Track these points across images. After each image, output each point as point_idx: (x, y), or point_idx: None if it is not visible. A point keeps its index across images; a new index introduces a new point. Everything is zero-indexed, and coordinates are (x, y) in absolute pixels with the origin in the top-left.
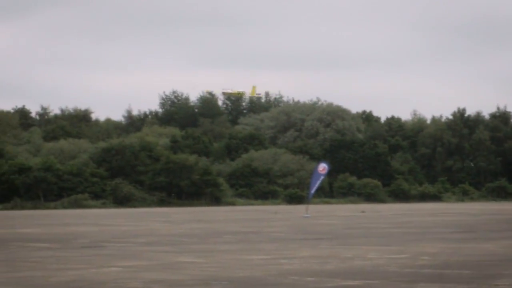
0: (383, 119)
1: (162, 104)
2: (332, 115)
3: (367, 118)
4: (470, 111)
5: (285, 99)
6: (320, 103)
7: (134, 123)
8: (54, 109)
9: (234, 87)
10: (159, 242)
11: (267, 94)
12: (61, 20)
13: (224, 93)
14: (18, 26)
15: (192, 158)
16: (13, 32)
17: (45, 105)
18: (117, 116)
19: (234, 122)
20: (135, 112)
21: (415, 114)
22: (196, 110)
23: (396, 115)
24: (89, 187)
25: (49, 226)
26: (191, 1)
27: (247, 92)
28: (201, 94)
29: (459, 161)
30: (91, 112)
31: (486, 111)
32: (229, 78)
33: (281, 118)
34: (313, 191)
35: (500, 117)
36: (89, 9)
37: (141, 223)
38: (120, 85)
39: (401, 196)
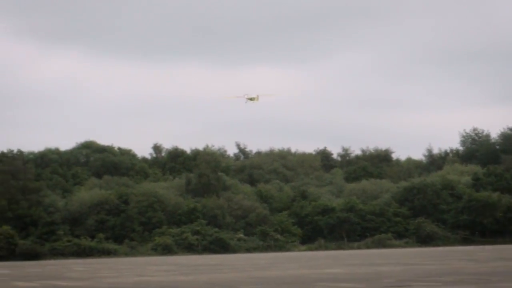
0: None
1: (463, 142)
2: None
3: None
4: None
5: None
6: None
7: (435, 161)
8: (355, 150)
9: None
10: (465, 281)
11: None
12: (362, 62)
13: None
14: (318, 69)
15: (495, 196)
16: (312, 75)
17: (346, 146)
18: (418, 155)
19: None
20: (435, 151)
21: None
22: (498, 146)
23: None
24: (392, 227)
25: (354, 266)
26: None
27: None
28: (502, 130)
29: None
30: (392, 152)
31: None
32: None
33: None
34: None
35: None
36: (387, 51)
37: (445, 261)
38: (420, 124)
39: None
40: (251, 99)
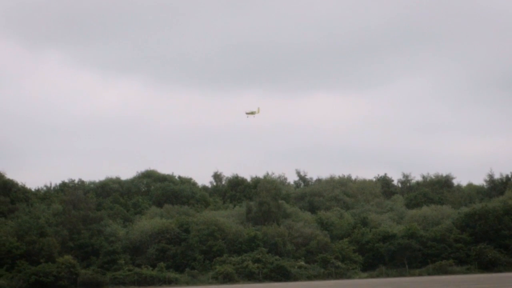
0: None
1: None
2: None
3: None
4: None
5: None
6: None
7: (497, 186)
8: (416, 176)
9: None
10: None
11: None
12: (422, 87)
13: None
14: (378, 95)
15: None
16: (372, 101)
17: (406, 172)
18: (479, 180)
19: None
20: (497, 176)
21: None
22: None
23: None
24: (454, 253)
25: None
26: None
27: None
28: None
29: None
30: (453, 178)
31: None
32: None
33: None
34: None
35: None
36: (446, 76)
37: None
38: (480, 149)
39: None
40: (251, 113)
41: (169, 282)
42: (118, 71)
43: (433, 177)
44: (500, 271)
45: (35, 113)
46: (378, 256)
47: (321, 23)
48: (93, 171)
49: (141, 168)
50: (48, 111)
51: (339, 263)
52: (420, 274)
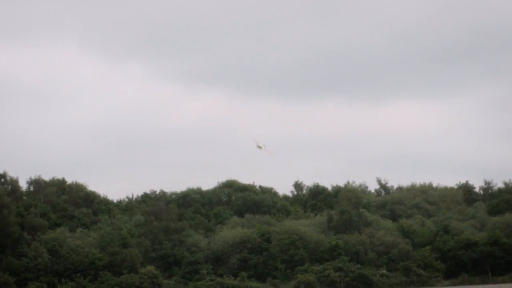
0: None
1: None
2: None
3: None
4: None
5: None
6: None
7: None
8: (498, 183)
9: None
10: None
11: None
12: (501, 94)
13: None
14: (458, 103)
15: None
16: (453, 108)
17: (488, 179)
18: None
19: None
20: None
21: None
22: None
23: None
24: None
25: None
26: None
27: None
28: None
29: None
30: None
31: None
32: None
33: None
34: None
35: None
36: None
37: None
38: None
39: None
40: (259, 147)
41: None
42: (200, 82)
43: None
44: None
45: (117, 126)
46: (460, 263)
47: (402, 31)
48: (175, 182)
49: (222, 178)
50: (130, 124)
51: (421, 271)
52: (503, 281)
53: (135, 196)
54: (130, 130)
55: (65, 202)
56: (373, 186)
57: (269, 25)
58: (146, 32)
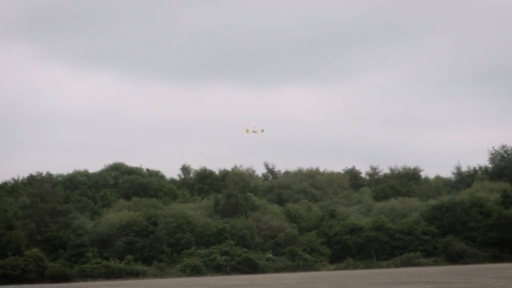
0: None
1: (492, 159)
2: None
3: None
4: None
5: None
6: None
7: (464, 179)
8: (384, 169)
9: None
10: None
11: None
12: (390, 81)
13: None
14: (347, 89)
15: None
16: (341, 94)
17: (374, 165)
18: (447, 173)
19: None
20: (464, 168)
21: None
22: None
23: None
24: (421, 245)
25: (382, 285)
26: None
27: None
28: None
29: None
30: (421, 170)
31: None
32: None
33: None
34: None
35: None
36: (416, 70)
37: (475, 279)
38: (448, 142)
39: None
40: (254, 131)
41: (137, 274)
42: (87, 64)
43: (401, 170)
44: (467, 263)
45: (3, 107)
46: (345, 248)
47: (292, 16)
48: (61, 164)
49: (109, 161)
50: (14, 106)
51: (307, 256)
52: (387, 266)
53: (21, 178)
54: (15, 112)
55: None
56: (260, 171)
57: (158, 7)
58: (32, 14)
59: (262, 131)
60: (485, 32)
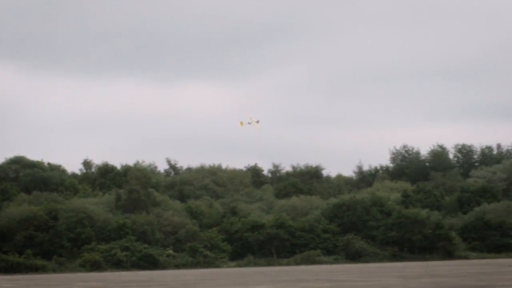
0: None
1: (393, 159)
2: None
3: None
4: None
5: None
6: None
7: (365, 178)
8: (286, 167)
9: (465, 141)
10: None
11: (498, 146)
12: (294, 79)
13: None
14: (250, 86)
15: (423, 213)
16: (244, 91)
17: (276, 163)
18: (348, 171)
19: (465, 175)
20: (365, 168)
21: None
22: (427, 164)
23: None
24: (321, 243)
25: (282, 283)
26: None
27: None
28: (432, 147)
29: None
30: (322, 169)
31: None
32: (460, 131)
33: None
34: None
35: None
36: (320, 68)
37: (374, 278)
38: (350, 141)
39: None
40: (249, 123)
41: (36, 269)
42: None
43: (303, 168)
44: (367, 262)
45: None
46: (246, 245)
47: (196, 12)
48: None
49: (10, 154)
50: None
51: (208, 252)
52: (288, 264)
53: None
54: None
55: None
56: (162, 166)
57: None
58: None
59: (257, 122)
60: (390, 31)
